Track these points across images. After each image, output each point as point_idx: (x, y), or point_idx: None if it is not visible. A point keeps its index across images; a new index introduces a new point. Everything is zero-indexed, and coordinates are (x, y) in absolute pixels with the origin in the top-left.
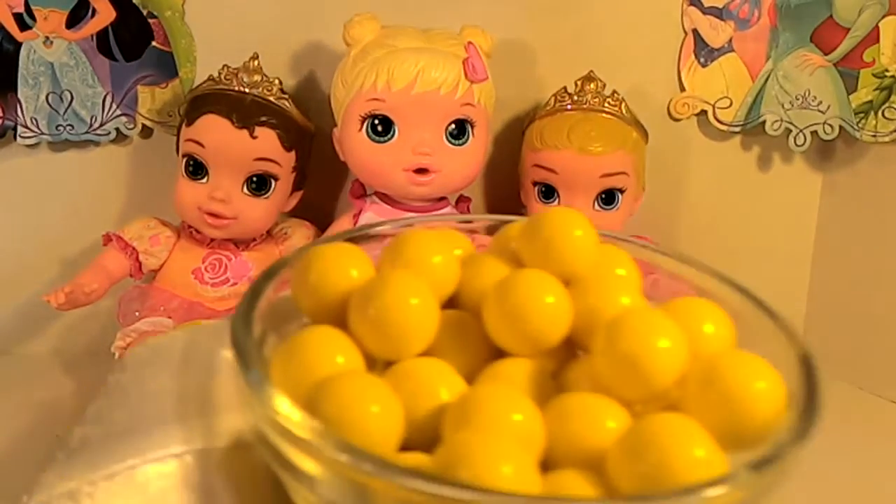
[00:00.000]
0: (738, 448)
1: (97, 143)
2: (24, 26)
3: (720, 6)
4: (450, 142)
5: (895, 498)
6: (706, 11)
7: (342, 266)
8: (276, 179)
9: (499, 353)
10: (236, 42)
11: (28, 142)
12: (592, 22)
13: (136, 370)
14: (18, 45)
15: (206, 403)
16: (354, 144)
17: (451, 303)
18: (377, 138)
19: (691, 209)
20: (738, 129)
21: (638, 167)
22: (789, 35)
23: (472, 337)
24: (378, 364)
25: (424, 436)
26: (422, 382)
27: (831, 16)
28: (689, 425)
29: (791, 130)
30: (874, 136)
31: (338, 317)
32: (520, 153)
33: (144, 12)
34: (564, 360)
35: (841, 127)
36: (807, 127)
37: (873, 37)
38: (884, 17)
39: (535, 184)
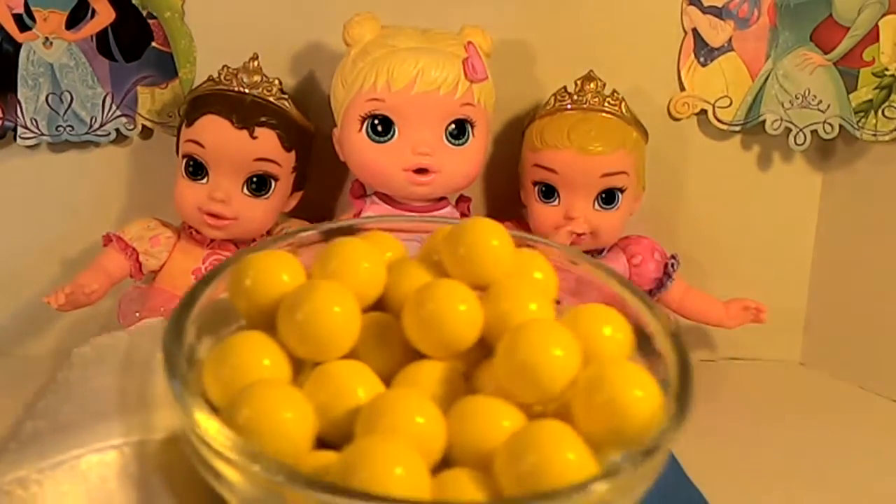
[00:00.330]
0: (620, 447)
1: (97, 144)
2: (23, 27)
3: (720, 5)
4: (450, 142)
5: (895, 498)
6: (706, 11)
7: (275, 272)
8: (276, 180)
9: (419, 354)
10: (236, 42)
11: (28, 143)
12: (592, 22)
13: (82, 368)
14: (18, 46)
15: (144, 400)
16: (354, 144)
17: (380, 305)
18: (377, 138)
19: (691, 208)
20: (738, 129)
21: (638, 167)
22: (789, 34)
23: (393, 339)
24: (306, 365)
25: (343, 433)
26: (342, 384)
27: (831, 15)
28: (564, 430)
29: (791, 129)
30: (874, 135)
31: (271, 320)
32: (520, 153)
33: (144, 13)
34: (477, 362)
35: (841, 126)
36: (807, 126)
37: (873, 36)
38: (883, 15)
39: (535, 184)
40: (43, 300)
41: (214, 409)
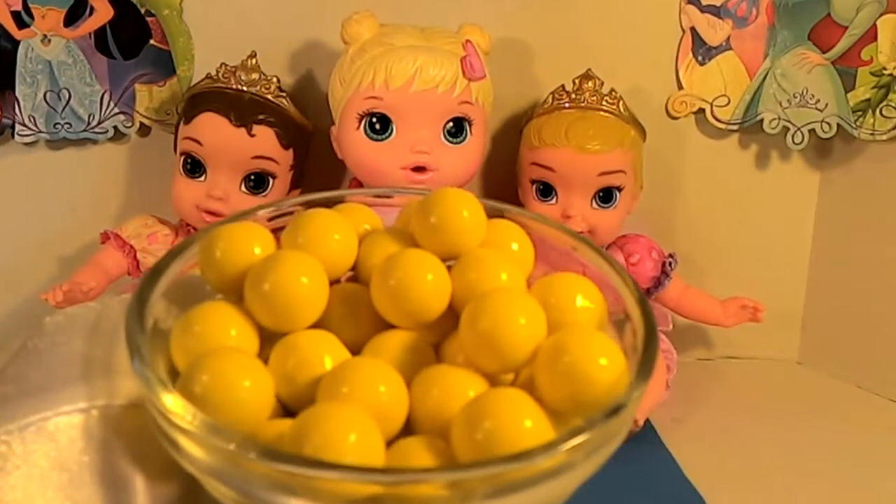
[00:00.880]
0: (584, 415)
1: (95, 142)
2: (22, 24)
3: (718, 4)
4: (448, 140)
5: (895, 497)
6: (704, 9)
7: (245, 244)
8: (274, 177)
9: (389, 326)
10: (234, 40)
11: (26, 140)
12: (590, 20)
13: (52, 336)
14: (16, 43)
15: (109, 366)
16: (352, 142)
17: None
18: (375, 136)
19: (689, 207)
20: (735, 128)
21: (636, 165)
22: (787, 33)
23: (363, 310)
24: (275, 337)
25: (307, 403)
26: (308, 353)
27: (829, 14)
28: (521, 397)
29: (789, 128)
30: (872, 134)
31: (241, 292)
32: (518, 151)
33: (142, 10)
34: (447, 333)
35: (839, 125)
36: (804, 125)
37: (871, 35)
38: (882, 15)
39: (532, 182)
40: (41, 297)
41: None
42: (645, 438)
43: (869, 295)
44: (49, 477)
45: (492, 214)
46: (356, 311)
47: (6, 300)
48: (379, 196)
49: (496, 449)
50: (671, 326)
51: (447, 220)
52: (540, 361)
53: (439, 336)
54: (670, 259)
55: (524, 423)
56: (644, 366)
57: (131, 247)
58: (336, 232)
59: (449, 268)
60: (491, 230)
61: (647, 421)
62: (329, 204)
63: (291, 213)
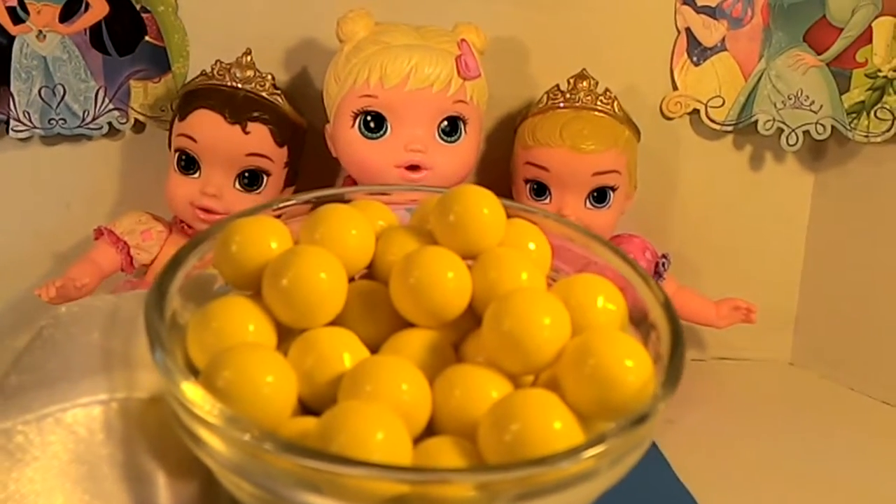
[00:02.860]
0: (609, 418)
1: (90, 138)
2: (17, 20)
3: (713, 5)
4: (442, 139)
5: (887, 499)
6: (699, 10)
7: (262, 238)
8: (268, 175)
9: (408, 324)
10: (229, 37)
11: (20, 135)
12: (585, 20)
13: (68, 326)
14: (11, 38)
15: (129, 359)
16: (347, 141)
17: (369, 274)
18: (370, 135)
19: (683, 208)
20: (730, 129)
21: (630, 166)
22: (782, 34)
23: (381, 307)
24: (292, 334)
25: (328, 400)
26: (326, 351)
27: (824, 16)
28: (550, 399)
29: (783, 130)
30: (866, 136)
31: (257, 288)
32: (512, 151)
33: (137, 7)
34: (467, 332)
35: (833, 127)
36: (799, 126)
37: (866, 37)
38: (877, 17)
39: (526, 181)
40: (34, 293)
41: (196, 373)
42: None
43: (862, 297)
44: (68, 470)
45: (510, 215)
46: (374, 309)
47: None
48: (377, 193)
49: (525, 451)
50: None
51: (467, 218)
52: (565, 363)
53: (458, 335)
54: (664, 259)
55: (553, 425)
56: (672, 372)
57: (125, 243)
58: (354, 227)
59: (468, 267)
60: (508, 230)
61: None
62: (341, 200)
63: (294, 210)
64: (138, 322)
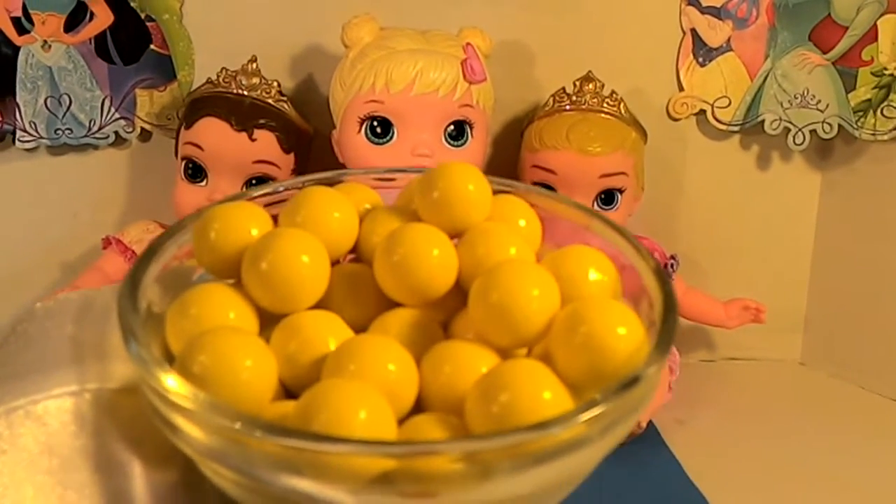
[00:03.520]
0: (600, 387)
1: (96, 147)
2: (22, 30)
3: (718, 5)
4: (449, 143)
5: (895, 498)
6: (704, 11)
7: (241, 224)
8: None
9: (393, 304)
10: (234, 44)
11: (27, 146)
12: (591, 22)
13: (43, 320)
14: (17, 49)
15: (101, 350)
16: (353, 146)
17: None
18: (376, 140)
19: (691, 209)
20: (736, 129)
21: (637, 167)
22: (788, 34)
23: (367, 289)
24: (274, 320)
25: (312, 385)
26: (310, 333)
27: (830, 14)
28: (538, 368)
29: (790, 129)
30: (873, 134)
31: (237, 275)
32: (519, 154)
33: (142, 15)
34: (455, 310)
35: (840, 125)
36: (806, 126)
37: (872, 35)
38: (882, 15)
39: (534, 184)
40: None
41: (173, 361)
42: (648, 440)
43: (871, 295)
44: (38, 461)
45: (497, 191)
46: (359, 291)
47: (7, 306)
48: (381, 179)
49: (513, 421)
50: None
51: (452, 195)
52: (555, 333)
53: (446, 314)
54: (672, 261)
55: (542, 394)
56: (664, 337)
57: (133, 252)
58: (336, 210)
59: (455, 245)
60: (497, 206)
61: (651, 423)
62: (327, 184)
63: (285, 198)
64: (112, 313)
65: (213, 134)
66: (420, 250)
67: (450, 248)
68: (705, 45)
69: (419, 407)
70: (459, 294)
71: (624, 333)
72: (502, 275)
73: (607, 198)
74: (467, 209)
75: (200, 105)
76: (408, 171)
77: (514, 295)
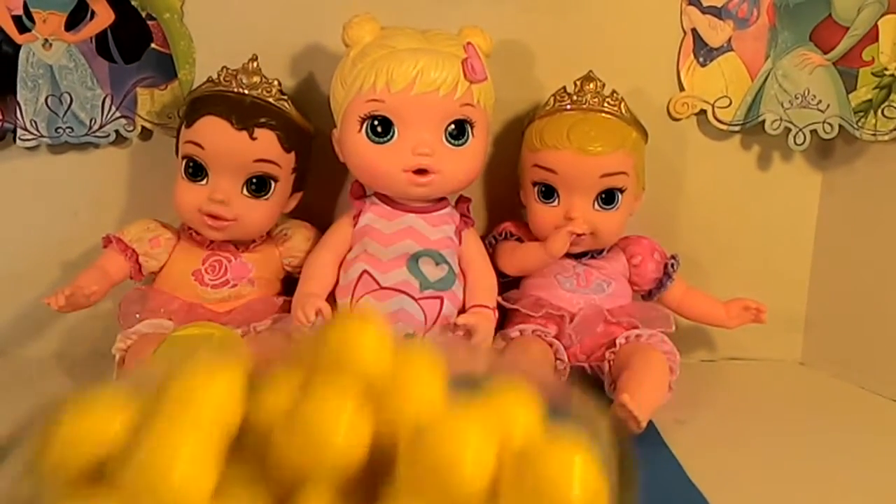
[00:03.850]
0: None
1: (97, 146)
2: (23, 29)
3: (719, 5)
4: (449, 142)
5: (895, 498)
6: (705, 11)
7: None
8: (276, 181)
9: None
10: (235, 44)
11: (28, 144)
12: (591, 22)
13: None
14: (17, 47)
15: None
16: (354, 145)
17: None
18: (377, 139)
19: (691, 208)
20: (737, 129)
21: (637, 167)
22: (788, 34)
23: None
24: None
25: None
26: None
27: (830, 15)
28: None
29: (790, 129)
30: (874, 134)
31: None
32: (519, 153)
33: (143, 14)
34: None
35: (840, 126)
36: (806, 126)
37: (872, 35)
38: (883, 15)
39: (534, 184)
40: (43, 301)
41: None
42: (648, 440)
43: (871, 295)
44: None
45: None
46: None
47: (9, 304)
48: None
49: None
50: (674, 328)
51: (346, 352)
52: (504, 484)
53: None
54: (672, 260)
55: None
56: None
57: (133, 250)
58: (215, 387)
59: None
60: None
61: (651, 423)
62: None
63: None
64: None
65: (213, 133)
66: (329, 423)
67: (359, 415)
68: (706, 44)
69: None
70: (372, 471)
71: (577, 477)
72: (435, 436)
73: (608, 197)
74: (368, 367)
75: (201, 104)
76: None
77: (453, 455)
